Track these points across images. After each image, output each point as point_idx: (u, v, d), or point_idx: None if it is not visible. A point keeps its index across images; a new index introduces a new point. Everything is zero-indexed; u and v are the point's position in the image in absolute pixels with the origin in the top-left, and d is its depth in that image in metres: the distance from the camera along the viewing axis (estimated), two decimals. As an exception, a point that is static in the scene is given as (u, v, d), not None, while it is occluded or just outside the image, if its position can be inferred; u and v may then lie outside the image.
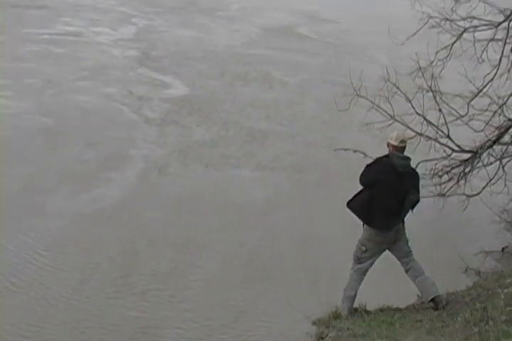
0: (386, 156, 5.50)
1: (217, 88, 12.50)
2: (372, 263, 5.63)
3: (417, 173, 5.62)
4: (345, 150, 7.98)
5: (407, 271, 5.62)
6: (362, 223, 5.57)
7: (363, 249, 5.56)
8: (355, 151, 7.23)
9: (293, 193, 8.45)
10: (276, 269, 6.76)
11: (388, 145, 5.52)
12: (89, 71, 12.65)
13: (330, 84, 12.80)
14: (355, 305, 5.75)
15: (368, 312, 5.71)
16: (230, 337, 5.69)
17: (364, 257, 5.58)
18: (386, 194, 5.37)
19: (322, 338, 5.24)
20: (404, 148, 5.47)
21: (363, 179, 5.53)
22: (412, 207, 5.55)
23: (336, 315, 5.68)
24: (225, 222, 7.58)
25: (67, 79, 12.00)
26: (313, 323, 5.69)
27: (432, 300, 5.54)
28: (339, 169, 8.77)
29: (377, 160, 5.57)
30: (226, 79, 13.08)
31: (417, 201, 5.55)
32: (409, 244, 5.61)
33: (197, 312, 5.94)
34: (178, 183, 8.47)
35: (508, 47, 7.80)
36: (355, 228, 5.83)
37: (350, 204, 5.54)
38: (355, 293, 5.67)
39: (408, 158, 5.49)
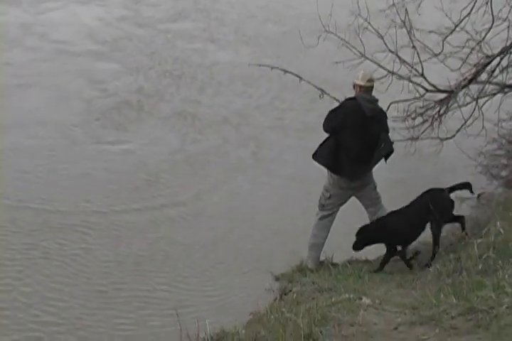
0: (352, 99, 5.04)
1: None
2: (336, 211, 5.31)
3: (385, 113, 5.23)
4: (260, 65, 7.31)
5: None
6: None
7: (327, 195, 5.23)
8: (272, 68, 6.71)
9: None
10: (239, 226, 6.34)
11: (354, 86, 5.07)
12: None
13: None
14: (322, 257, 5.48)
15: (334, 265, 5.47)
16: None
17: (328, 204, 5.26)
18: (354, 140, 4.99)
19: (285, 294, 5.02)
20: (372, 87, 5.05)
21: (328, 125, 5.07)
22: (386, 157, 5.17)
23: (301, 269, 5.43)
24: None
25: None
26: (276, 279, 5.41)
27: None
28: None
29: (343, 104, 5.10)
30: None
31: (391, 151, 5.16)
32: (377, 189, 5.30)
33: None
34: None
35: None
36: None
37: (315, 156, 5.14)
38: (322, 243, 5.37)
39: (376, 100, 5.06)
